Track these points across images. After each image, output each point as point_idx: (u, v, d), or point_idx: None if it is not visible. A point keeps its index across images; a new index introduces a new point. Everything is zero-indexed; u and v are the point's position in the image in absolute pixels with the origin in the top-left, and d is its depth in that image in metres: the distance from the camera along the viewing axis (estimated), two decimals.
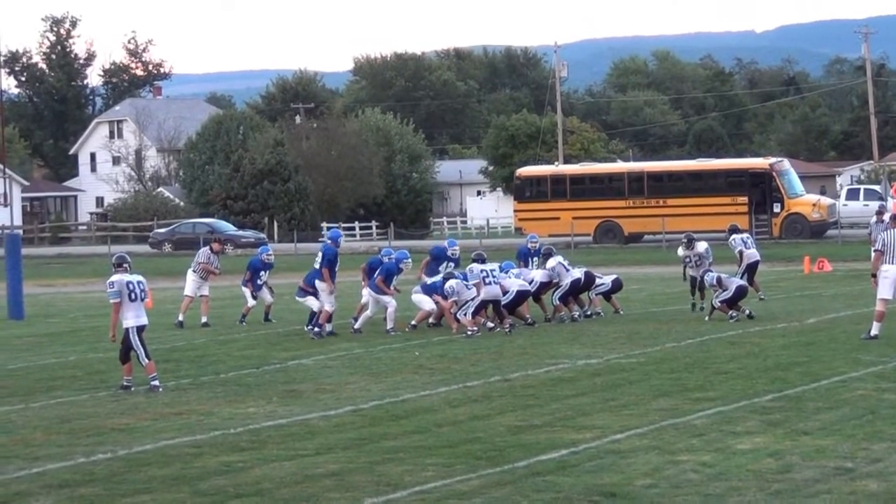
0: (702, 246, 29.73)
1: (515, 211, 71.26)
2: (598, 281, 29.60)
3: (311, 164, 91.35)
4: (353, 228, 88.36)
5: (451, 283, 26.97)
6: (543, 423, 15.90)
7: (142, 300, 19.81)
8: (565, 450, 14.17)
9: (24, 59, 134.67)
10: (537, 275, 28.85)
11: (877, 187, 74.68)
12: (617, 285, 30.06)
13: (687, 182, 67.03)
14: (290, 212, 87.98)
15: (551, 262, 28.79)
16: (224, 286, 39.36)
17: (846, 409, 16.21)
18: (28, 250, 61.75)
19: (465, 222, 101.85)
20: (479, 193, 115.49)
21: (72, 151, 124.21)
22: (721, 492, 12.11)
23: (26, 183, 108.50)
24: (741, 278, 29.49)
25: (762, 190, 64.94)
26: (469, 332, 25.72)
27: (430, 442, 14.95)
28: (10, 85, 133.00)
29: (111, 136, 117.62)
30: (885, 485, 12.25)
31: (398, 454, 14.26)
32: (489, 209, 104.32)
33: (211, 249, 31.23)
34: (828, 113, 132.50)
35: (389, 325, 26.85)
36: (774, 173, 65.25)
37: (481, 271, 26.33)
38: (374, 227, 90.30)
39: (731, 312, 27.13)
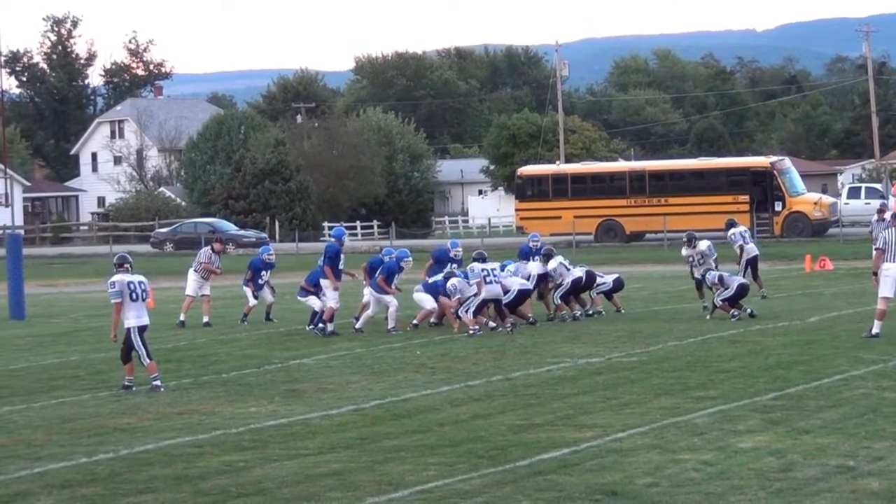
0: (703, 244, 29.70)
1: (517, 210, 71.24)
2: (599, 280, 29.61)
3: (313, 164, 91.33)
4: (354, 228, 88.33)
5: (453, 281, 26.98)
6: (545, 422, 15.90)
7: (143, 300, 19.81)
8: (567, 449, 14.17)
9: (26, 59, 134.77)
10: (534, 267, 28.81)
11: (878, 185, 74.71)
12: (618, 284, 30.06)
13: (688, 181, 67.02)
14: (292, 211, 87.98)
15: (552, 264, 28.79)
16: (225, 286, 39.40)
17: (847, 408, 16.21)
18: (29, 250, 61.79)
19: (466, 222, 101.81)
20: (480, 193, 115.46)
21: (73, 151, 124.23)
22: (722, 490, 12.11)
23: (28, 183, 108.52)
24: (743, 275, 29.46)
25: (763, 188, 64.91)
26: (471, 332, 25.72)
27: (431, 441, 14.95)
28: (11, 85, 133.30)
29: (112, 135, 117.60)
30: (886, 483, 12.24)
31: (400, 453, 14.27)
32: (490, 208, 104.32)
33: (212, 249, 31.24)
34: (829, 111, 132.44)
35: (391, 325, 26.85)
36: (776, 172, 65.22)
37: (482, 270, 26.33)
38: (375, 227, 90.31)
39: (732, 311, 27.12)
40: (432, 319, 27.87)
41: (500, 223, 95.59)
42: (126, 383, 19.81)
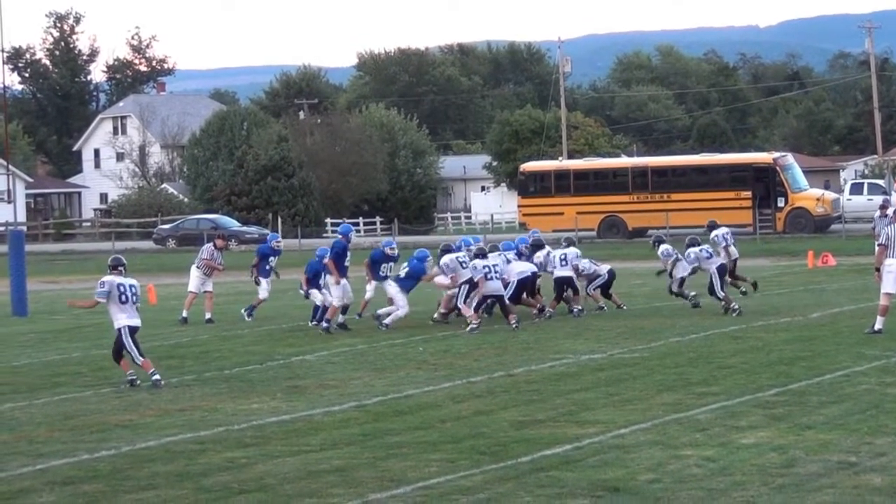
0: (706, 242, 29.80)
1: (519, 206, 71.21)
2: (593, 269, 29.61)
3: (315, 160, 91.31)
4: (357, 224, 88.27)
5: (446, 259, 26.95)
6: (547, 419, 15.90)
7: (133, 303, 19.68)
8: (569, 445, 14.17)
9: (28, 56, 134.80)
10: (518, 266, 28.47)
11: (881, 181, 74.64)
12: (611, 276, 30.05)
13: (691, 177, 67.00)
14: (294, 207, 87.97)
15: (539, 255, 29.03)
16: (228, 282, 39.40)
17: (850, 404, 16.21)
18: (32, 247, 61.75)
19: (469, 218, 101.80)
20: (483, 189, 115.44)
21: (75, 148, 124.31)
22: (725, 486, 12.11)
23: (30, 179, 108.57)
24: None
25: (766, 184, 64.90)
26: (473, 325, 25.72)
27: (433, 437, 14.95)
28: (13, 81, 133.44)
29: (115, 132, 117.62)
30: (888, 479, 12.24)
31: (402, 450, 14.27)
32: (493, 204, 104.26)
33: (215, 245, 31.21)
34: (832, 107, 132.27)
35: (387, 321, 26.82)
36: (778, 168, 65.20)
37: (483, 266, 26.31)
38: (378, 223, 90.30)
39: (733, 305, 27.18)
40: (436, 316, 27.88)
41: (502, 219, 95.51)
42: (129, 378, 19.78)
